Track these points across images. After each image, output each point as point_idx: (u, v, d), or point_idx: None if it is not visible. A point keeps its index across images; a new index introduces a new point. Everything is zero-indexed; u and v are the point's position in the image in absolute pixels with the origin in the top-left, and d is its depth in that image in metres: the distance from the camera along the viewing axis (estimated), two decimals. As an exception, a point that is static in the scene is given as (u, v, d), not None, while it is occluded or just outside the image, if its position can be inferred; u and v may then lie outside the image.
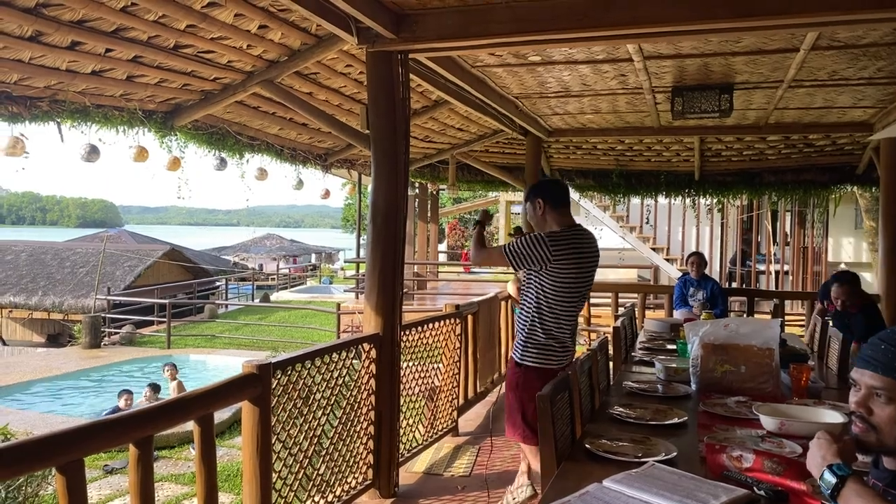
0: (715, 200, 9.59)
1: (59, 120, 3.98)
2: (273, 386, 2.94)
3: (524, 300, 3.32)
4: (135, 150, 4.60)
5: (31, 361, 12.86)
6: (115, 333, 15.18)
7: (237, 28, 3.80)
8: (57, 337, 18.53)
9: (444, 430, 4.93)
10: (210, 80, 4.46)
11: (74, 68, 3.74)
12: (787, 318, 7.32)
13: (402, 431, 4.17)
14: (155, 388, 8.78)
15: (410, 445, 4.44)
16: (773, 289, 11.97)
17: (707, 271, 6.66)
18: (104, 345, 14.38)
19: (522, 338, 3.28)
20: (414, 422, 4.55)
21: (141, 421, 2.29)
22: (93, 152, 4.22)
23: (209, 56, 4.12)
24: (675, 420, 2.54)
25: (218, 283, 24.44)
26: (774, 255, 13.13)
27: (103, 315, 15.38)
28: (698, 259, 6.55)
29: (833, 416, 2.43)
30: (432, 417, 4.79)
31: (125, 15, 3.37)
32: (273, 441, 2.95)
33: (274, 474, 2.97)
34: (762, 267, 13.13)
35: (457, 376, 5.12)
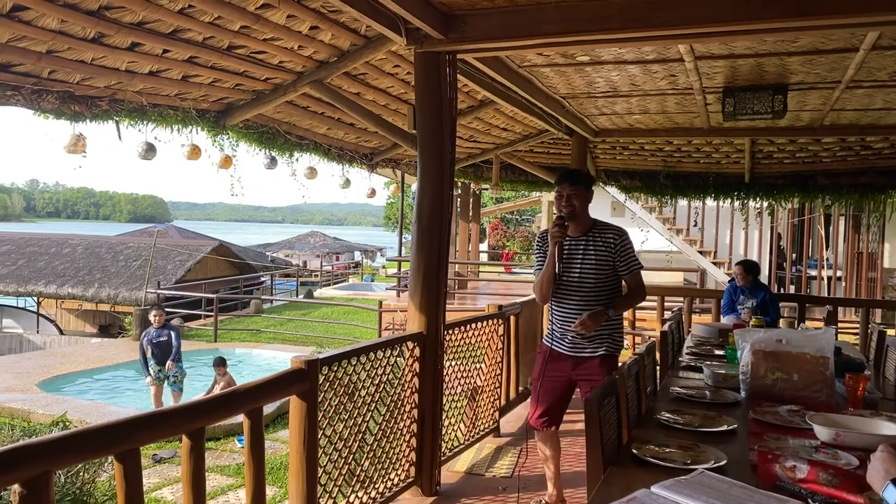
0: (765, 203, 9.36)
1: (117, 119, 4.11)
2: (320, 381, 2.99)
3: (602, 294, 3.44)
4: (188, 149, 4.71)
5: (86, 352, 13.33)
6: (165, 326, 15.59)
7: (289, 29, 3.87)
8: (108, 328, 19.19)
9: (486, 430, 4.94)
10: (262, 80, 4.54)
11: (133, 69, 3.86)
12: (840, 325, 7.10)
13: (444, 430, 4.18)
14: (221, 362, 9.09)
15: (452, 445, 4.46)
16: (826, 295, 11.63)
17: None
18: (154, 337, 14.79)
19: (616, 328, 3.51)
20: (456, 421, 4.56)
21: (194, 413, 2.36)
22: (149, 150, 4.34)
23: (261, 57, 4.20)
24: (725, 427, 2.49)
25: (263, 279, 24.98)
26: (827, 260, 12.74)
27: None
28: (741, 269, 6.28)
29: (891, 428, 2.36)
30: (474, 417, 4.80)
31: (182, 17, 3.46)
32: (319, 436, 3.00)
33: (319, 468, 3.02)
34: (814, 272, 12.75)
35: (499, 377, 5.12)
